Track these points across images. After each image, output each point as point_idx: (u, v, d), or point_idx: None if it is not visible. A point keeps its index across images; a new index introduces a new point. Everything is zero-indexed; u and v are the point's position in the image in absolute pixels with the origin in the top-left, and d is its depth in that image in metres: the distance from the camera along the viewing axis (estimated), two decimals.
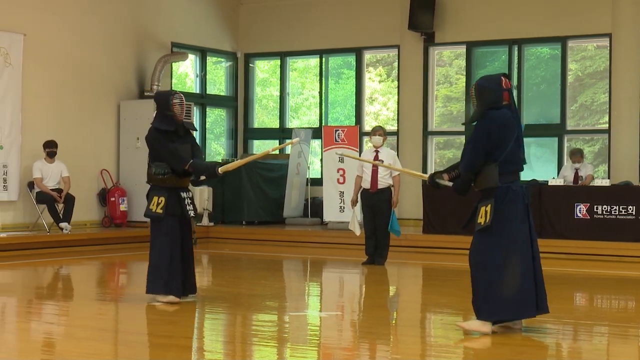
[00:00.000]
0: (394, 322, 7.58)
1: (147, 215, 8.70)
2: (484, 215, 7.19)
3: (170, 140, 8.62)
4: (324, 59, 18.82)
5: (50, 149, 14.83)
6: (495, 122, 7.19)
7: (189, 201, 8.74)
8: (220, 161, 18.47)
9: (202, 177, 8.74)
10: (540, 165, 17.10)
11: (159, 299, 8.63)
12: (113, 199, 16.14)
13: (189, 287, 8.79)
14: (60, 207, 14.74)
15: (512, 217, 7.18)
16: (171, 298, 8.59)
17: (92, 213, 16.20)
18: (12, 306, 9.31)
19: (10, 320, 8.49)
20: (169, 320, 8.06)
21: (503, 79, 7.33)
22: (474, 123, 7.39)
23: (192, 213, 8.73)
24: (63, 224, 14.49)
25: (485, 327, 7.19)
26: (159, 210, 8.57)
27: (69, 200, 14.73)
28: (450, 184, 7.58)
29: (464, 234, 14.56)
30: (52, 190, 14.66)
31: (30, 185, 14.86)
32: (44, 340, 7.41)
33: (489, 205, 7.15)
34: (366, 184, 12.35)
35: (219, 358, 6.77)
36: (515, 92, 16.91)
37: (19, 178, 14.90)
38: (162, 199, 8.57)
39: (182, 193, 8.70)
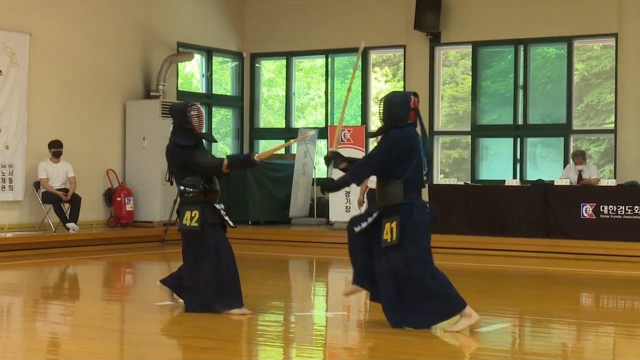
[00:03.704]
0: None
1: (182, 230, 8.23)
2: (389, 232, 7.28)
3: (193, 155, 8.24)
4: (329, 59, 18.82)
5: (56, 149, 14.85)
6: (398, 141, 7.31)
7: (224, 212, 8.34)
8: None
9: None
10: (546, 165, 17.08)
11: (231, 312, 8.20)
12: (119, 198, 16.15)
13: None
14: (66, 207, 14.76)
15: (419, 231, 7.32)
16: (243, 310, 8.21)
17: (98, 213, 16.22)
18: (19, 306, 9.32)
19: (17, 320, 8.50)
20: (175, 320, 8.06)
21: (412, 97, 7.44)
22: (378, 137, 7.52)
23: (231, 223, 8.34)
24: (70, 224, 14.51)
25: (471, 319, 7.26)
26: (194, 224, 8.13)
27: (75, 200, 14.75)
28: (341, 173, 7.67)
29: (470, 234, 14.68)
30: (58, 190, 14.69)
31: (36, 185, 14.89)
32: (49, 339, 7.42)
33: (394, 222, 7.26)
34: (372, 184, 12.34)
35: (225, 358, 6.77)
36: (521, 92, 16.93)
37: (24, 178, 14.92)
38: (196, 212, 8.14)
39: (215, 205, 8.29)
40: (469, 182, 16.28)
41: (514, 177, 16.51)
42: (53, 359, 6.72)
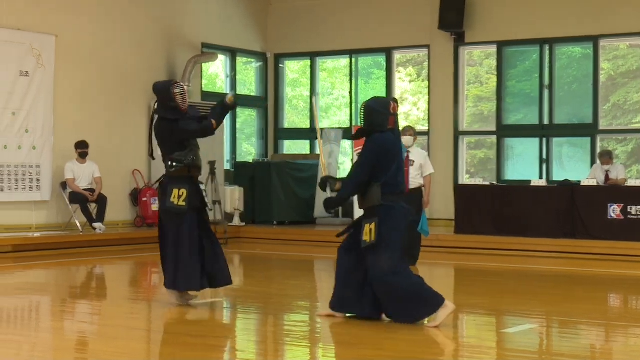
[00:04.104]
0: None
1: (169, 209, 8.28)
2: (368, 233, 7.57)
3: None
4: (353, 59, 18.81)
5: (82, 149, 14.94)
6: (381, 145, 7.58)
7: (205, 194, 8.49)
8: (252, 161, 18.53)
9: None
10: (572, 165, 16.98)
11: (176, 300, 8.41)
12: (145, 199, 16.21)
13: (223, 279, 8.51)
14: (92, 207, 14.84)
15: (396, 232, 7.55)
16: (188, 296, 8.43)
17: (125, 213, 16.29)
18: (47, 305, 9.39)
19: (45, 319, 8.56)
20: (201, 320, 8.09)
21: (392, 103, 7.73)
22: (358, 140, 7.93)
23: (210, 206, 8.53)
24: (97, 224, 14.59)
25: (448, 308, 7.42)
26: (182, 203, 8.23)
27: (102, 201, 14.83)
28: (335, 194, 8.08)
29: (496, 234, 14.62)
30: (84, 190, 14.77)
31: (63, 185, 14.98)
32: (77, 339, 7.46)
33: (373, 224, 7.53)
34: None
35: (251, 357, 6.78)
36: (546, 92, 16.85)
37: (51, 178, 15.02)
38: (184, 191, 8.25)
39: (199, 185, 8.46)
40: (495, 182, 16.22)
41: (540, 177, 16.43)
42: (81, 358, 6.76)
